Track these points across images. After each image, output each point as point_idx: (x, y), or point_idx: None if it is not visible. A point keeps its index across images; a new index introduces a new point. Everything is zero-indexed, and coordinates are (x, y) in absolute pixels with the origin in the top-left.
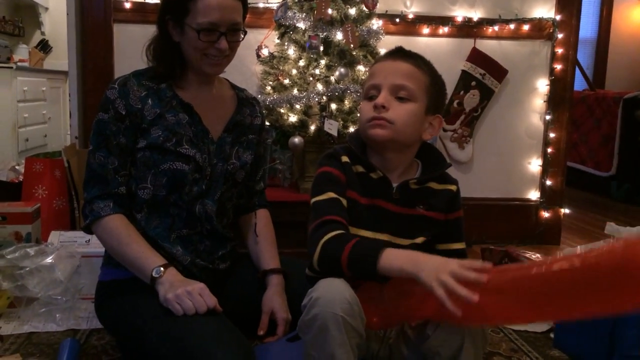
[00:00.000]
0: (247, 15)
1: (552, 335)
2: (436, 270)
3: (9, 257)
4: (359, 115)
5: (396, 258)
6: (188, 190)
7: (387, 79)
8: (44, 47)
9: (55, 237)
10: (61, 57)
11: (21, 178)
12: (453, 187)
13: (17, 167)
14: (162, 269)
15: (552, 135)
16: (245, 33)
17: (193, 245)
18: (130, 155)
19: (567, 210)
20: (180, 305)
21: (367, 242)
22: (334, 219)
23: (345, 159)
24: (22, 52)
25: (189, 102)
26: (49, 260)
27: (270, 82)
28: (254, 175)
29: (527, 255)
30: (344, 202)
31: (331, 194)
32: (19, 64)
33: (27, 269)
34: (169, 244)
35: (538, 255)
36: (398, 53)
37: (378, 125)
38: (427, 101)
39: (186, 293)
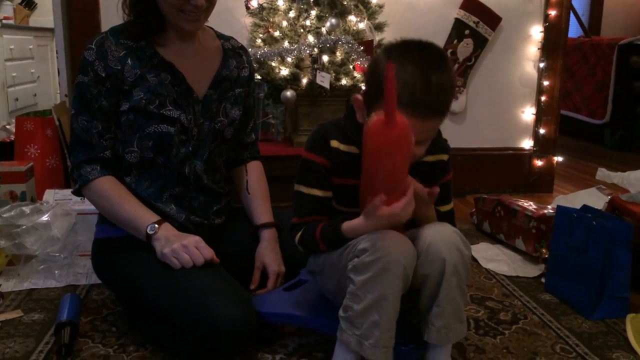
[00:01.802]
0: None
1: (543, 280)
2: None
3: (4, 215)
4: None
5: (353, 228)
6: (176, 152)
7: (415, 137)
8: (29, 3)
9: (50, 195)
10: (46, 14)
11: (12, 137)
12: (444, 157)
13: (7, 126)
14: (156, 225)
15: (545, 83)
16: None
17: (187, 202)
18: (113, 118)
19: (560, 159)
20: (177, 259)
21: (327, 225)
22: (311, 222)
23: (334, 143)
24: (6, 10)
25: (171, 61)
26: (45, 218)
27: (261, 35)
28: (244, 129)
29: (520, 203)
30: (328, 196)
31: (315, 192)
32: (4, 21)
33: (24, 227)
34: (162, 204)
35: (531, 203)
36: (430, 110)
37: None
38: None
39: (182, 247)
